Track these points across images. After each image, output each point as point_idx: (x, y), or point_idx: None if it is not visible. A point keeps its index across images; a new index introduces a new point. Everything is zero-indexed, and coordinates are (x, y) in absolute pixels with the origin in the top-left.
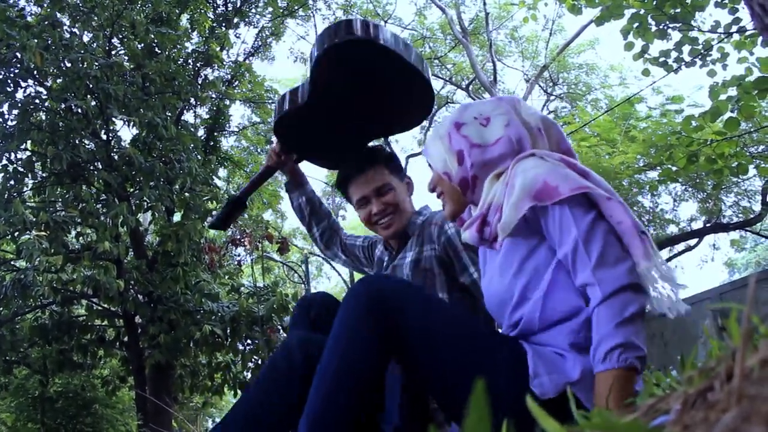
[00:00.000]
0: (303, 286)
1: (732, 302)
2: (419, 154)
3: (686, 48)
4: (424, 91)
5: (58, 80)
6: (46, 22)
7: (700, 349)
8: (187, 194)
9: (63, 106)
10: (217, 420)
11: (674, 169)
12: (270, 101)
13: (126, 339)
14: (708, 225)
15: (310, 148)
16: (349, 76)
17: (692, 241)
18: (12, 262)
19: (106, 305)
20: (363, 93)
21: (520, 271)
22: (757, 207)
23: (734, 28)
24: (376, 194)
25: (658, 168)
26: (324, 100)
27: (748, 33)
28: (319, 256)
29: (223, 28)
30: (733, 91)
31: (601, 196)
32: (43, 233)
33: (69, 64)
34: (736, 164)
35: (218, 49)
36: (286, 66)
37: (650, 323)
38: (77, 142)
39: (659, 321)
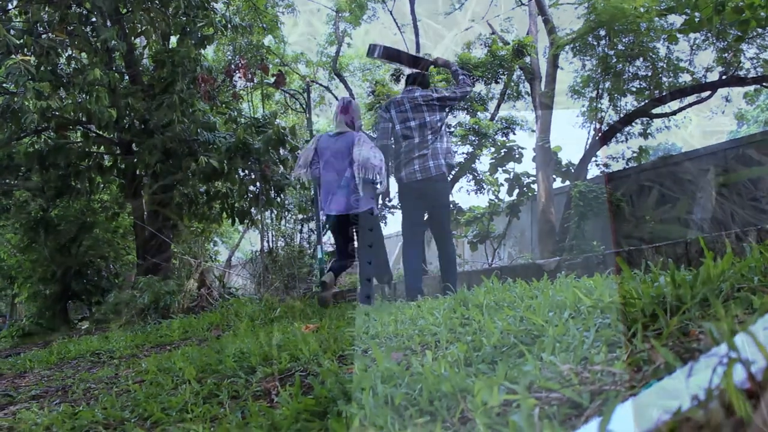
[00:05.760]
0: (305, 114)
1: (736, 161)
2: None
3: None
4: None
5: None
6: None
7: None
8: (182, 18)
9: None
10: (220, 242)
11: (697, 20)
12: None
13: (123, 167)
14: (724, 77)
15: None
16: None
17: (704, 93)
18: (4, 85)
19: (100, 132)
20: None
21: None
22: None
23: None
24: None
25: (680, 15)
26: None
27: None
28: (321, 84)
29: None
30: None
31: None
32: (29, 57)
33: None
34: (766, 15)
35: None
36: None
37: (647, 173)
38: None
39: (655, 172)
